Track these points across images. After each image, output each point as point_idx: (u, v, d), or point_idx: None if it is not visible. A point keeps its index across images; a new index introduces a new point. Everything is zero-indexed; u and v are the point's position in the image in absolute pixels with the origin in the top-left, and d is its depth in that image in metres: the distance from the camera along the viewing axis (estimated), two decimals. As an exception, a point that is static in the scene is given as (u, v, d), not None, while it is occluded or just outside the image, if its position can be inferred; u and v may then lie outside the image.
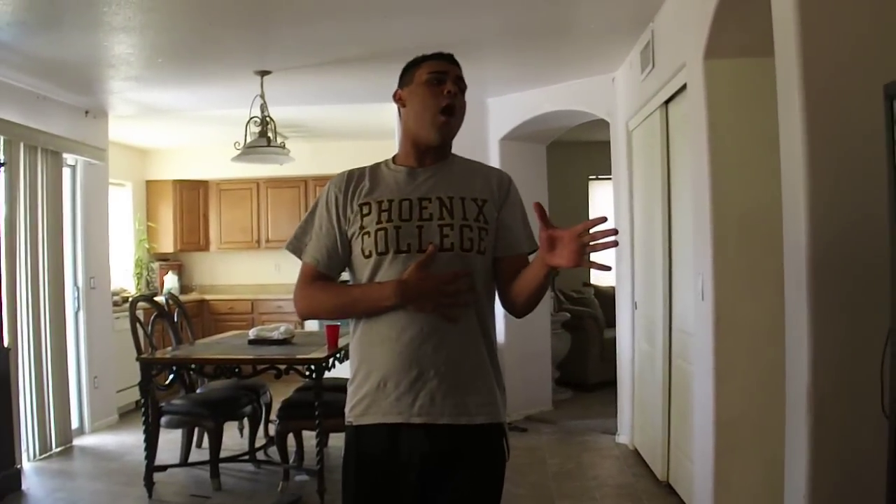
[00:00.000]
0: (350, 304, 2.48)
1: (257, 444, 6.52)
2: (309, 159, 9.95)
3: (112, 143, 8.58)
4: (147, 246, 10.64)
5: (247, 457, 6.38)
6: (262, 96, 6.75)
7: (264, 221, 11.15)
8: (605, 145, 7.38)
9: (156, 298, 7.35)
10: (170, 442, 6.40)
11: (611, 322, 8.34)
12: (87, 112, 7.86)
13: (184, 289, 10.95)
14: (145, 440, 5.70)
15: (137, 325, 6.14)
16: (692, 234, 4.73)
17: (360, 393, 2.44)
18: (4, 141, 6.46)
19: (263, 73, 6.62)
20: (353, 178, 2.53)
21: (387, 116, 8.26)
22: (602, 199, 10.37)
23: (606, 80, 7.05)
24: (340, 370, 6.10)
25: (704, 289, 4.42)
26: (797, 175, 2.98)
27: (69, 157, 7.57)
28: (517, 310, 2.52)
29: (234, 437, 6.77)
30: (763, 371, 4.09)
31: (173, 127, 9.54)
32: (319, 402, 5.44)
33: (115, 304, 8.62)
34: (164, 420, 5.89)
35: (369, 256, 2.41)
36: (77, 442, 7.39)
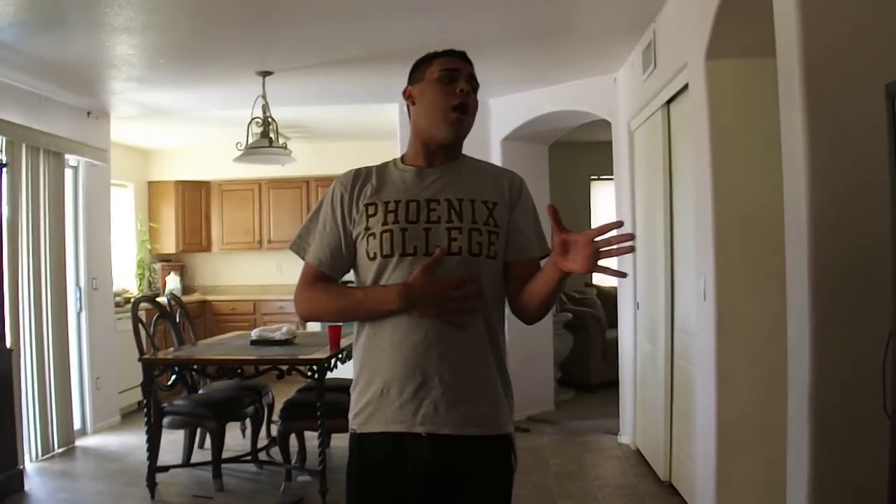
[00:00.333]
0: (352, 306, 2.40)
1: (259, 445, 6.52)
2: (311, 160, 9.96)
3: (114, 144, 8.59)
4: (149, 247, 10.65)
5: (249, 457, 6.38)
6: (264, 97, 6.75)
7: (266, 222, 11.15)
8: (607, 145, 7.37)
9: (158, 299, 7.36)
10: (172, 443, 6.41)
11: (613, 322, 8.34)
12: (88, 113, 7.87)
13: (186, 289, 10.95)
14: (147, 441, 5.70)
15: (139, 325, 6.14)
16: (694, 235, 4.72)
17: (363, 400, 2.37)
18: (6, 142, 6.46)
19: (265, 74, 6.62)
20: (359, 177, 2.46)
21: (388, 117, 8.27)
22: (604, 199, 10.37)
23: (608, 81, 7.05)
24: (342, 371, 6.10)
25: (706, 289, 4.42)
26: (798, 175, 2.98)
27: (71, 158, 7.58)
28: (527, 316, 2.46)
29: (236, 438, 6.77)
30: (765, 371, 4.09)
31: (175, 128, 9.55)
32: (321, 403, 5.44)
33: (118, 304, 8.62)
34: (166, 421, 5.89)
35: (374, 259, 2.34)
36: (79, 442, 7.40)
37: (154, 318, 6.53)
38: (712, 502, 4.42)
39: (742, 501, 4.32)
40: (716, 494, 4.38)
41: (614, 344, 7.62)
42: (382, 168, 2.50)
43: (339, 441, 6.58)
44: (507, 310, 2.49)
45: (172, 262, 11.15)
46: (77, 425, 7.54)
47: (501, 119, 7.89)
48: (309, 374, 5.54)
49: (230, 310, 10.83)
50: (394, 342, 2.31)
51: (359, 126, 9.67)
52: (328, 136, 10.30)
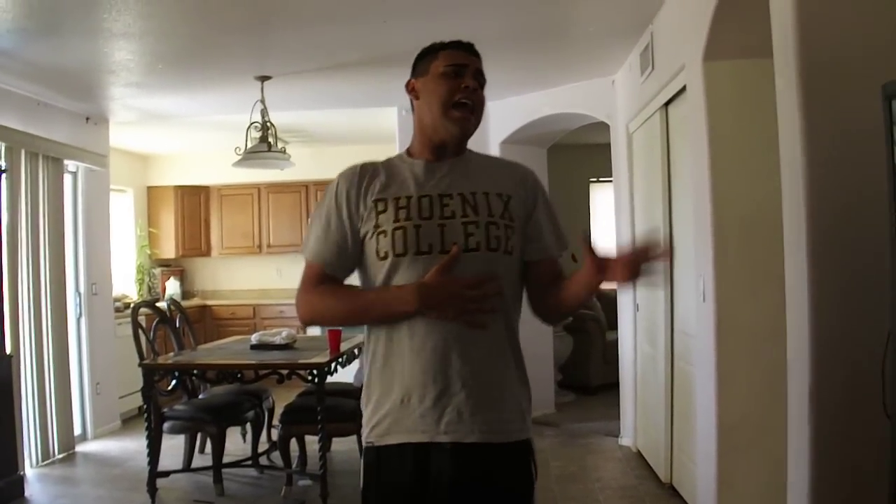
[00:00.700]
0: (362, 309, 2.27)
1: (260, 450, 6.50)
2: (310, 164, 9.95)
3: (113, 150, 8.60)
4: (149, 252, 10.65)
5: (250, 462, 6.37)
6: (263, 101, 6.76)
7: (265, 226, 11.16)
8: (606, 148, 7.38)
9: (158, 304, 7.35)
10: (172, 447, 6.41)
11: (613, 324, 8.34)
12: (87, 118, 7.87)
13: (185, 294, 10.96)
14: (148, 446, 5.69)
15: (139, 330, 6.14)
16: (693, 236, 4.73)
17: (381, 410, 2.23)
18: (5, 148, 6.47)
19: (264, 79, 6.63)
20: (366, 172, 2.32)
21: (387, 120, 8.28)
22: (603, 201, 10.37)
23: (606, 83, 7.06)
24: (342, 375, 6.12)
25: (706, 290, 4.42)
26: (797, 175, 2.98)
27: (70, 164, 7.59)
28: (552, 318, 2.45)
29: (236, 443, 6.77)
30: (765, 372, 4.09)
31: (174, 133, 9.55)
32: (322, 407, 5.44)
33: (117, 310, 8.62)
34: (166, 426, 5.89)
35: (385, 258, 2.20)
36: (79, 448, 7.40)
37: (154, 323, 6.52)
38: (713, 503, 4.42)
39: (743, 502, 4.31)
40: (717, 496, 4.38)
41: (614, 346, 7.62)
42: (388, 163, 2.39)
43: (340, 445, 6.59)
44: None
45: (172, 267, 11.15)
46: (77, 431, 7.54)
47: (500, 122, 7.90)
48: (309, 378, 5.53)
49: (230, 314, 10.83)
50: (412, 347, 2.18)
51: (357, 130, 9.67)
52: (327, 141, 10.31)
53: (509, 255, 2.26)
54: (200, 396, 6.43)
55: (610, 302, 9.03)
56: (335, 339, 5.82)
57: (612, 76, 6.98)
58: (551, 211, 2.42)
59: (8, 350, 5.93)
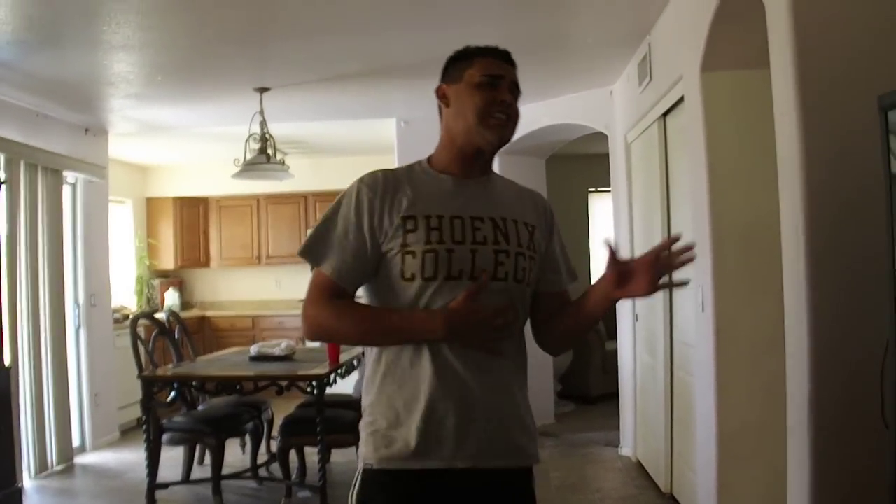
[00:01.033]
0: (385, 331, 2.13)
1: (259, 461, 6.50)
2: (309, 175, 9.96)
3: (112, 161, 8.61)
4: (147, 263, 10.64)
5: (249, 474, 6.36)
6: (262, 113, 6.77)
7: (264, 237, 11.15)
8: (604, 158, 7.40)
9: (156, 315, 7.35)
10: (171, 459, 6.40)
11: (612, 334, 8.33)
12: (87, 130, 7.88)
13: (184, 305, 10.94)
14: (147, 457, 5.69)
15: (138, 342, 6.14)
16: (691, 246, 4.72)
17: (391, 433, 2.11)
18: (5, 159, 6.48)
19: (263, 90, 6.64)
20: (389, 182, 2.18)
21: (386, 132, 8.30)
22: (602, 211, 10.38)
23: (604, 94, 7.08)
24: (342, 386, 6.11)
25: (704, 300, 4.42)
26: (795, 185, 2.99)
27: (69, 175, 7.59)
28: (555, 347, 2.39)
29: (235, 454, 6.76)
30: (764, 381, 4.09)
31: (173, 144, 9.56)
32: (321, 419, 5.44)
33: (116, 321, 8.61)
34: (165, 437, 5.88)
35: (411, 279, 2.09)
36: (78, 460, 7.38)
37: (153, 334, 6.52)
38: (713, 514, 4.42)
39: (743, 512, 4.31)
40: (716, 506, 4.38)
41: (614, 356, 7.62)
42: (410, 174, 2.24)
43: (339, 457, 6.58)
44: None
45: (171, 278, 11.15)
46: (76, 442, 7.53)
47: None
48: (308, 389, 5.53)
49: (229, 326, 10.82)
50: (433, 372, 2.08)
51: (356, 141, 9.69)
52: (326, 152, 10.32)
53: (528, 287, 2.22)
54: (199, 408, 6.42)
55: (609, 312, 9.02)
56: (334, 351, 5.82)
57: (611, 87, 7.00)
58: (562, 242, 2.39)
59: (6, 361, 5.92)
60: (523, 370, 2.26)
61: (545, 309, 2.31)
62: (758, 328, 4.16)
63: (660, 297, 5.58)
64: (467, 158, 2.23)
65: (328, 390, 5.65)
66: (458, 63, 2.25)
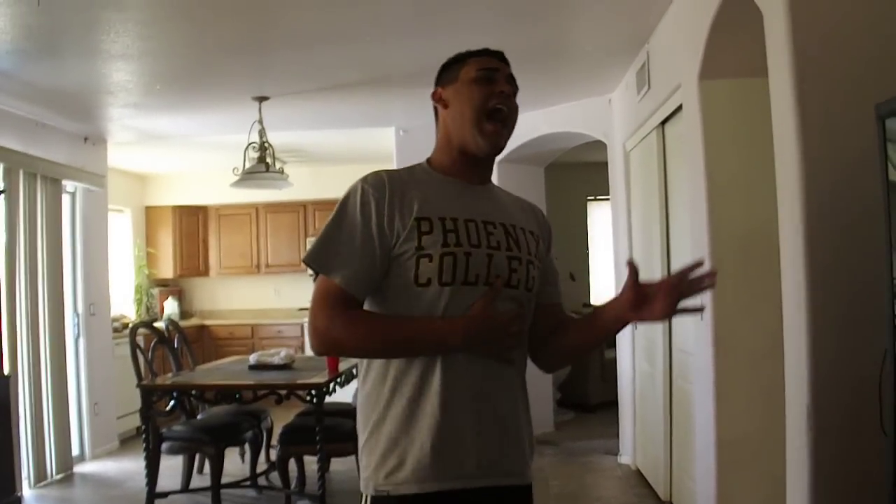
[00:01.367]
0: (405, 341, 1.99)
1: (259, 470, 6.50)
2: (308, 184, 9.97)
3: (111, 170, 8.62)
4: (147, 272, 10.65)
5: (248, 482, 6.36)
6: (261, 122, 6.78)
7: (264, 246, 11.15)
8: (603, 166, 7.40)
9: (156, 324, 7.35)
10: (171, 468, 6.39)
11: (611, 342, 8.33)
12: (86, 139, 7.89)
13: (184, 314, 10.94)
14: (146, 467, 5.68)
15: (138, 351, 6.13)
16: (690, 254, 4.73)
17: (402, 455, 1.97)
18: (4, 168, 6.48)
19: (262, 99, 6.65)
20: (395, 182, 2.06)
21: (385, 141, 8.31)
22: (600, 219, 10.38)
23: (603, 102, 7.09)
24: (341, 395, 6.11)
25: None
26: (793, 193, 3.00)
27: (68, 184, 7.60)
28: (550, 363, 2.31)
29: (235, 463, 6.75)
30: (763, 390, 4.08)
31: (172, 153, 9.57)
32: (320, 427, 5.44)
33: (115, 330, 8.61)
34: (164, 446, 5.87)
35: (426, 285, 1.96)
36: (77, 469, 7.37)
37: (152, 343, 6.52)
38: (713, 522, 4.42)
39: (742, 521, 4.31)
40: (716, 514, 4.38)
41: (613, 364, 7.62)
42: (413, 175, 2.15)
43: (339, 465, 6.58)
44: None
45: (170, 287, 11.15)
46: (75, 451, 7.52)
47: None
48: (308, 398, 5.53)
49: (228, 334, 10.81)
50: (447, 384, 1.97)
51: (355, 150, 9.69)
52: (325, 161, 10.32)
53: (534, 297, 2.16)
54: (199, 417, 6.41)
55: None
56: (334, 360, 5.82)
57: (609, 95, 7.01)
58: (553, 257, 2.33)
59: (6, 370, 5.93)
60: (525, 382, 2.18)
61: (543, 321, 2.23)
62: (756, 336, 4.16)
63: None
64: (468, 162, 2.15)
65: (327, 399, 5.64)
66: (453, 66, 2.21)
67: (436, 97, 2.21)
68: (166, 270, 10.99)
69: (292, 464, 6.05)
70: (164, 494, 5.84)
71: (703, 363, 4.47)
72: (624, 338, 6.97)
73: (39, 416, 6.76)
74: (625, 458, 7.03)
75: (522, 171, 8.16)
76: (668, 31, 5.05)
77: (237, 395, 5.66)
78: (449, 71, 2.21)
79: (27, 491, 6.46)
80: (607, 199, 7.60)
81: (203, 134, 8.28)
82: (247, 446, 6.64)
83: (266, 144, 6.86)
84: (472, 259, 1.99)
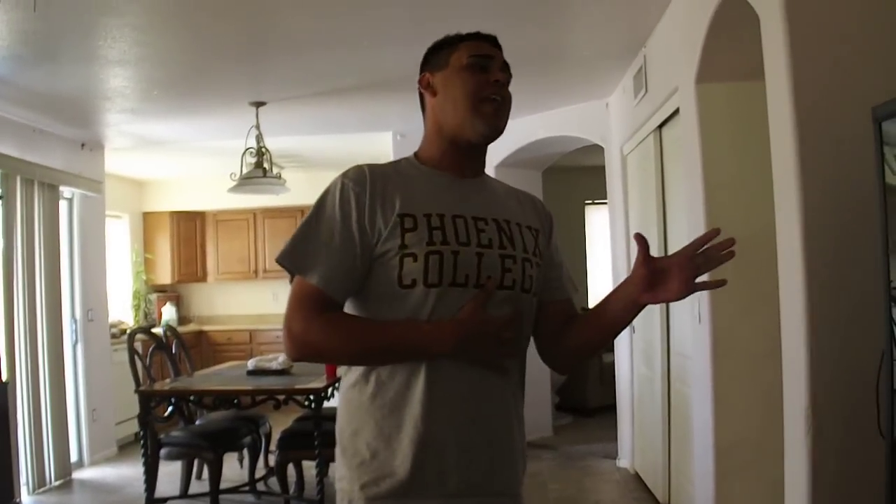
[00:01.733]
0: (387, 347, 1.85)
1: (257, 475, 6.49)
2: (305, 189, 9.90)
3: (108, 175, 8.61)
4: (144, 277, 10.65)
5: (247, 488, 6.35)
6: (258, 127, 6.78)
7: (261, 251, 11.15)
8: (601, 170, 7.41)
9: (154, 330, 7.35)
10: (169, 474, 6.38)
11: (609, 346, 8.34)
12: (83, 145, 7.89)
13: (182, 320, 10.95)
14: (145, 472, 5.67)
15: (136, 357, 6.13)
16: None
17: (381, 467, 1.85)
18: (1, 174, 6.48)
19: (258, 104, 6.65)
20: (378, 177, 1.92)
21: (381, 145, 8.30)
22: (598, 223, 10.39)
23: (600, 106, 7.09)
24: (339, 399, 6.08)
25: (701, 312, 4.42)
26: (790, 196, 3.00)
27: (66, 190, 7.59)
28: (566, 363, 2.18)
29: (233, 469, 6.74)
30: (762, 393, 4.08)
31: (170, 158, 9.57)
32: (319, 432, 5.43)
33: (114, 336, 8.61)
34: (163, 452, 5.86)
35: (411, 286, 1.83)
36: (76, 475, 7.36)
37: (150, 349, 6.51)
38: (712, 525, 4.41)
39: (741, 524, 4.31)
40: (715, 517, 4.38)
41: (611, 368, 7.63)
42: (397, 169, 2.02)
43: (337, 470, 6.56)
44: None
45: (168, 293, 11.14)
46: (74, 457, 7.51)
47: (495, 145, 7.73)
48: (306, 403, 5.53)
49: (226, 340, 10.81)
50: (432, 392, 1.83)
51: (352, 155, 9.66)
52: (322, 165, 10.32)
53: (534, 297, 2.01)
54: (197, 422, 6.41)
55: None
56: (332, 365, 5.81)
57: (606, 99, 7.01)
58: (559, 248, 2.18)
59: (4, 377, 5.92)
60: (522, 389, 2.04)
61: (552, 320, 2.08)
62: (754, 339, 4.16)
63: (656, 308, 5.58)
64: (459, 153, 2.02)
65: (326, 404, 5.63)
66: (442, 50, 2.06)
67: (423, 83, 2.07)
68: (164, 276, 10.98)
69: (291, 469, 6.05)
70: (163, 500, 5.84)
71: (702, 366, 4.47)
72: (622, 341, 6.97)
73: (38, 422, 6.76)
74: (623, 461, 7.03)
75: (520, 176, 8.15)
76: (664, 34, 5.05)
77: (235, 401, 5.65)
78: (438, 55, 2.06)
79: (26, 497, 6.45)
80: (605, 203, 7.61)
81: (200, 139, 8.28)
82: (245, 451, 6.63)
83: (263, 150, 6.86)
84: (461, 258, 1.85)
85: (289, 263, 1.92)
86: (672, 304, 5.39)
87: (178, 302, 11.19)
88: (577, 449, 7.81)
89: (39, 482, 6.74)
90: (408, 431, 1.83)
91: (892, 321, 2.45)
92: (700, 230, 4.32)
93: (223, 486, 6.01)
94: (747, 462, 4.24)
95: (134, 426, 7.24)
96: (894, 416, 2.44)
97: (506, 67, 2.04)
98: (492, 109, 1.96)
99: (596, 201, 10.65)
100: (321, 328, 1.86)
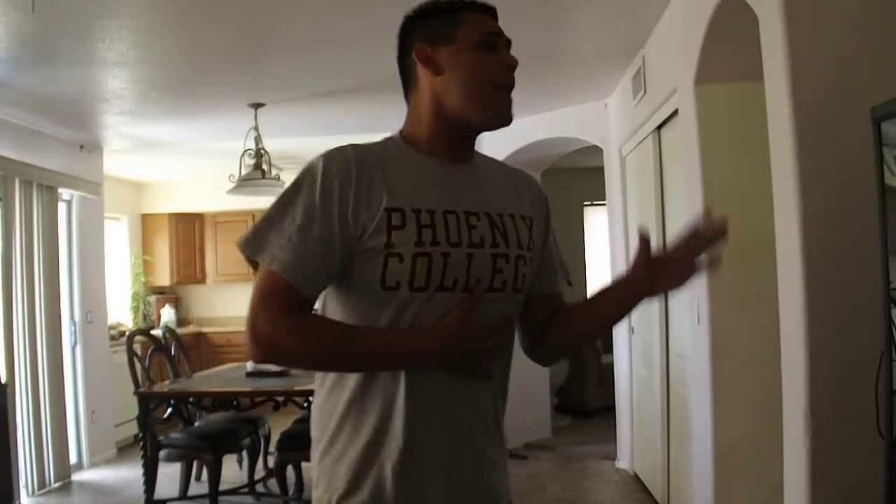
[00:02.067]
0: (363, 356, 1.70)
1: (256, 477, 6.49)
2: (304, 190, 9.95)
3: (107, 177, 8.61)
4: (143, 279, 10.64)
5: (246, 489, 6.35)
6: (256, 129, 6.78)
7: (260, 253, 11.11)
8: (599, 171, 7.41)
9: (153, 332, 7.34)
10: (169, 476, 6.38)
11: (608, 347, 8.33)
12: (81, 147, 7.89)
13: (181, 322, 10.94)
14: (144, 474, 5.68)
15: (135, 358, 6.12)
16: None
17: (356, 478, 1.72)
18: (0, 177, 6.47)
19: (257, 106, 6.65)
20: (363, 162, 1.74)
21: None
22: (597, 224, 10.39)
23: (599, 107, 7.09)
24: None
25: (700, 313, 4.42)
26: (789, 197, 3.00)
27: (65, 192, 7.59)
28: (549, 357, 2.05)
29: (233, 470, 6.74)
30: (761, 394, 4.08)
31: (168, 160, 9.56)
32: (318, 433, 5.42)
33: (113, 338, 8.60)
34: (162, 454, 5.86)
35: (395, 289, 1.67)
36: (75, 477, 7.36)
37: (149, 350, 6.52)
38: (711, 526, 4.41)
39: (741, 525, 4.31)
40: (714, 518, 4.37)
41: (610, 369, 7.62)
42: (385, 152, 1.82)
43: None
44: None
45: (167, 295, 11.13)
46: (73, 459, 7.50)
47: (493, 147, 7.85)
48: (305, 404, 5.53)
49: (225, 341, 10.79)
50: (413, 398, 1.70)
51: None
52: (321, 167, 10.31)
53: (523, 294, 1.87)
54: (196, 424, 6.40)
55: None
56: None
57: (605, 100, 7.01)
58: (555, 234, 2.03)
59: (3, 379, 5.92)
60: (505, 392, 1.90)
61: (539, 313, 1.95)
62: (753, 340, 4.16)
63: (655, 309, 5.59)
64: (456, 137, 1.83)
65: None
66: (443, 18, 1.82)
67: (421, 57, 1.83)
68: (163, 278, 10.97)
69: (290, 470, 6.04)
70: (163, 502, 5.84)
71: (701, 367, 4.47)
72: (621, 342, 6.97)
73: (37, 424, 6.75)
74: (622, 462, 7.03)
75: (519, 177, 8.15)
76: (663, 35, 5.05)
77: (234, 402, 5.65)
78: (437, 26, 1.82)
79: (26, 499, 6.45)
80: (604, 205, 7.60)
81: (199, 141, 8.28)
82: (244, 453, 6.63)
83: (262, 151, 6.86)
84: (451, 260, 1.69)
85: (251, 251, 1.71)
86: (671, 305, 5.40)
87: (177, 304, 11.19)
88: (576, 450, 7.80)
89: (39, 484, 6.73)
90: (387, 441, 1.71)
91: (891, 322, 2.45)
92: (699, 231, 4.32)
93: (222, 487, 6.00)
94: (746, 463, 4.24)
95: (133, 428, 7.23)
96: (893, 417, 2.45)
97: (509, 45, 1.85)
98: (507, 99, 1.80)
99: (595, 203, 10.65)
100: (290, 331, 1.67)
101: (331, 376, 1.79)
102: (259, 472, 6.59)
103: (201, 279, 11.27)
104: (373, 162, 1.75)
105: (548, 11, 4.84)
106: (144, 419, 5.66)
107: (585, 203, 11.02)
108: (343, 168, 1.72)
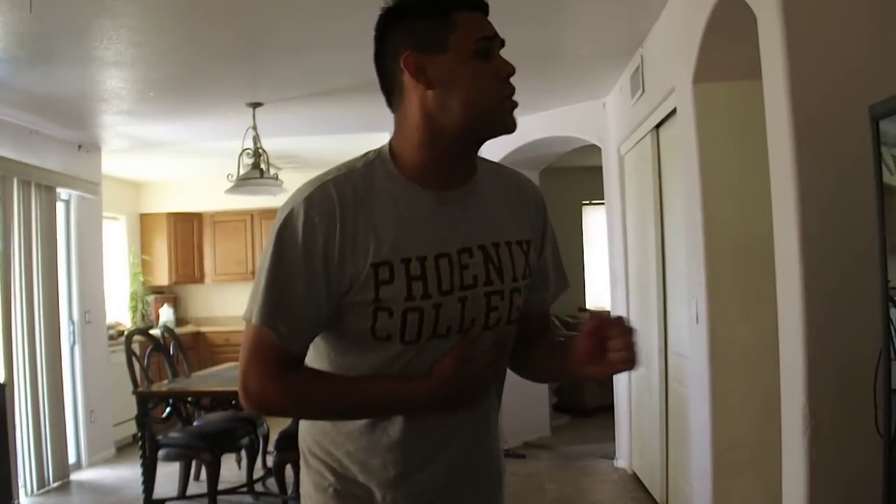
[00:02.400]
0: (353, 410, 1.70)
1: (255, 476, 6.49)
2: (302, 190, 9.95)
3: (105, 177, 8.60)
4: (142, 279, 10.63)
5: (245, 489, 6.35)
6: (255, 128, 6.77)
7: (259, 253, 11.11)
8: (598, 170, 7.41)
9: (151, 331, 7.34)
10: (167, 475, 6.37)
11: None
12: (79, 146, 7.88)
13: (179, 321, 10.93)
14: (143, 474, 5.68)
15: (133, 358, 6.12)
16: (685, 258, 4.74)
17: (347, 485, 1.74)
18: (-2, 177, 6.48)
19: (255, 105, 6.64)
20: (348, 207, 1.61)
21: (377, 145, 8.28)
22: (595, 223, 10.39)
23: (597, 106, 7.09)
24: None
25: (698, 312, 4.42)
26: (788, 197, 3.00)
27: (63, 192, 7.58)
28: (527, 374, 1.99)
29: (231, 470, 6.74)
30: (759, 393, 4.08)
31: (166, 160, 9.55)
32: (317, 433, 5.42)
33: (111, 337, 8.59)
34: (161, 453, 5.86)
35: (387, 340, 1.63)
36: (74, 476, 7.35)
37: (148, 350, 6.51)
38: (710, 525, 4.41)
39: (739, 524, 4.31)
40: (713, 517, 4.38)
41: (609, 368, 7.61)
42: (370, 184, 1.69)
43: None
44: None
45: (165, 294, 11.12)
46: (72, 459, 7.50)
47: (491, 146, 7.74)
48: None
49: (224, 341, 10.78)
50: (406, 431, 1.70)
51: (349, 155, 9.37)
52: (319, 166, 10.10)
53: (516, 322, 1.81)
54: (195, 423, 6.40)
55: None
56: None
57: (603, 99, 7.01)
58: (555, 243, 1.94)
59: (2, 379, 5.91)
60: (500, 395, 1.89)
61: (523, 330, 1.86)
62: (752, 339, 4.16)
63: (654, 308, 5.60)
64: (451, 158, 1.70)
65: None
66: (431, 21, 1.63)
67: (411, 68, 1.64)
68: (161, 277, 10.96)
69: (289, 470, 6.03)
70: (161, 501, 5.84)
71: (699, 366, 4.47)
72: (620, 341, 6.96)
73: (36, 424, 6.75)
74: (621, 461, 7.03)
75: (517, 176, 8.15)
76: (661, 34, 5.05)
77: (233, 402, 5.65)
78: (430, 31, 1.63)
79: (24, 499, 6.44)
80: (602, 204, 7.60)
81: (197, 140, 8.27)
82: (243, 452, 6.63)
83: (260, 150, 6.86)
84: (443, 311, 1.63)
85: (247, 314, 1.69)
86: (669, 304, 5.40)
87: (176, 303, 11.18)
88: (574, 449, 7.80)
89: (38, 484, 6.73)
90: (374, 457, 1.72)
91: (889, 321, 2.45)
92: (698, 230, 4.34)
93: (221, 487, 6.00)
94: (745, 462, 4.24)
95: (132, 427, 7.22)
96: (892, 416, 2.44)
97: (503, 45, 1.70)
98: (511, 108, 1.69)
99: (593, 202, 10.64)
100: (280, 391, 1.65)
101: (321, 368, 1.77)
102: (258, 472, 6.59)
103: (200, 279, 11.26)
104: (357, 201, 1.63)
105: (546, 10, 4.84)
106: (143, 419, 5.66)
107: (584, 202, 11.01)
108: (326, 218, 1.60)
